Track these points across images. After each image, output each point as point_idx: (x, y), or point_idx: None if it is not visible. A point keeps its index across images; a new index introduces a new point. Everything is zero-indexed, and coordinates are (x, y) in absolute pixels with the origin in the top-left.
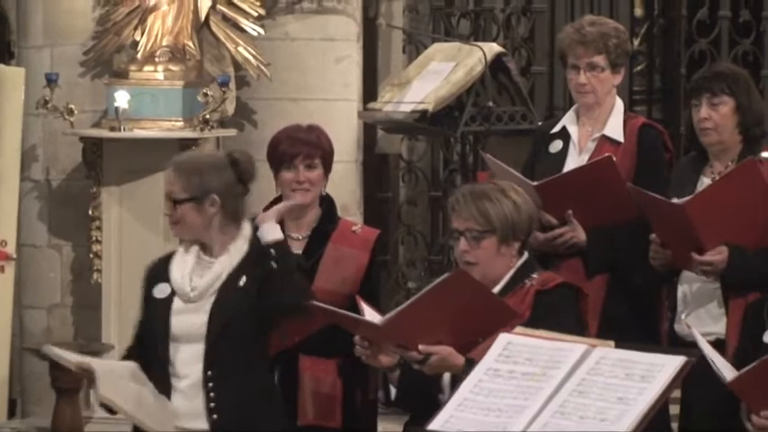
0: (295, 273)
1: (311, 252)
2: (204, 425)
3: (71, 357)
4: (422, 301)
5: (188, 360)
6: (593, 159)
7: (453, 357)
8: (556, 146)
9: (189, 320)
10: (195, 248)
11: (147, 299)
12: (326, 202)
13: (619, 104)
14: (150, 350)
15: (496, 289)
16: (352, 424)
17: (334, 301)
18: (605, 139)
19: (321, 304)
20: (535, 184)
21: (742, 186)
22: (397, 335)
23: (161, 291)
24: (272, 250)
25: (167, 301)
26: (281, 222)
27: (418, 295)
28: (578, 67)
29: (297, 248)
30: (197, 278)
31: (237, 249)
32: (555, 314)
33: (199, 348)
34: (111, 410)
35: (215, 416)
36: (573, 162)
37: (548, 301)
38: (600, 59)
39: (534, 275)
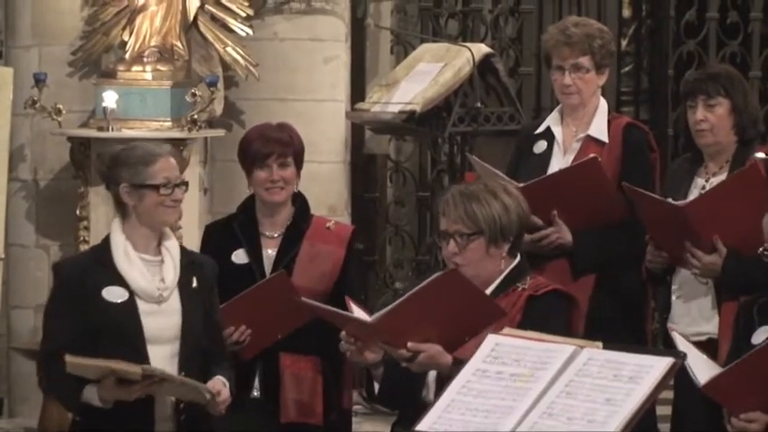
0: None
1: (286, 250)
2: (171, 427)
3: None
4: (413, 299)
5: (164, 360)
6: (579, 160)
7: (441, 356)
8: (540, 146)
9: (160, 322)
10: (129, 248)
11: (84, 301)
12: (299, 200)
13: (603, 105)
14: (108, 354)
15: (488, 290)
16: (333, 421)
17: (310, 298)
18: (590, 140)
19: (310, 301)
20: (521, 185)
21: (744, 189)
22: (387, 332)
23: (116, 294)
24: None
25: (130, 304)
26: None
27: (410, 293)
28: (563, 68)
29: (271, 247)
30: (157, 279)
31: (173, 245)
32: (545, 320)
33: (167, 349)
34: None
35: (183, 416)
36: (557, 163)
37: (539, 307)
38: (585, 60)
39: (527, 279)
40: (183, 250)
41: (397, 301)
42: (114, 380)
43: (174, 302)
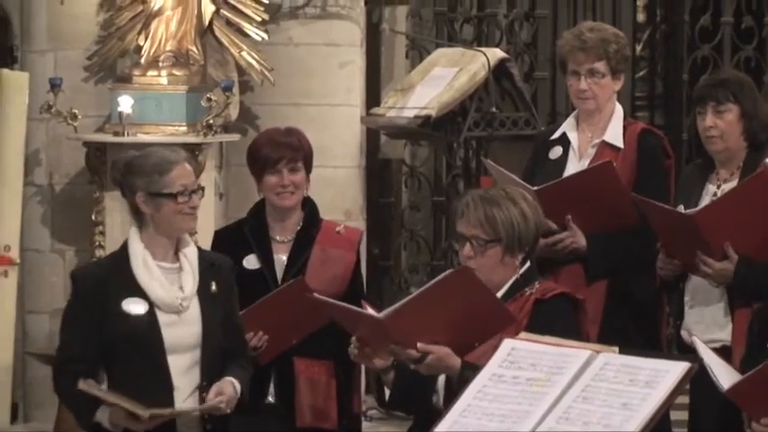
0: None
1: (297, 255)
2: None
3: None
4: (425, 296)
5: (185, 368)
6: (594, 164)
7: (450, 358)
8: (556, 152)
9: (180, 332)
10: (148, 257)
11: (101, 312)
12: (309, 205)
13: (618, 110)
14: (125, 365)
15: (497, 295)
16: (347, 425)
17: None
18: (605, 145)
19: (323, 297)
20: (535, 188)
21: (754, 196)
22: (397, 330)
23: (135, 306)
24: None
25: (150, 315)
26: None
27: (422, 289)
28: (579, 74)
29: (282, 252)
30: (176, 288)
31: (190, 250)
32: (552, 324)
33: (188, 357)
34: None
35: (209, 426)
36: (573, 168)
37: (546, 310)
38: (600, 65)
39: (536, 284)
40: (201, 253)
41: (408, 297)
42: (125, 411)
43: (194, 310)
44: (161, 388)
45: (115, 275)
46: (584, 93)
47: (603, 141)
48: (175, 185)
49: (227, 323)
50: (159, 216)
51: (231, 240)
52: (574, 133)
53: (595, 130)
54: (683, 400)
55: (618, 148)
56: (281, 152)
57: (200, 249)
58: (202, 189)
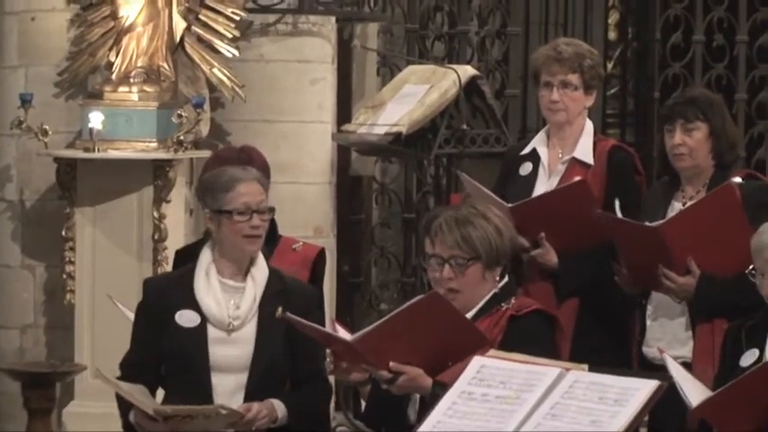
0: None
1: None
2: None
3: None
4: (394, 321)
5: (229, 390)
6: (567, 183)
7: (421, 379)
8: (526, 168)
9: (230, 351)
10: (213, 272)
11: (157, 322)
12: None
13: (589, 126)
14: (174, 378)
15: (473, 311)
16: None
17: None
18: (575, 162)
19: (295, 317)
20: (509, 206)
21: (718, 211)
22: (368, 352)
23: (188, 319)
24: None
25: (200, 330)
26: None
27: (391, 314)
28: (551, 85)
29: None
30: (233, 306)
31: (260, 271)
32: (526, 341)
33: (238, 378)
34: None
35: None
36: (542, 185)
37: (521, 327)
38: (574, 78)
39: (512, 300)
40: (276, 277)
41: (377, 322)
42: (141, 411)
43: (249, 331)
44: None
45: (178, 287)
46: (556, 104)
47: (573, 158)
48: (235, 203)
49: (294, 350)
50: (221, 234)
51: (188, 259)
52: (544, 148)
53: (565, 146)
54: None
55: (588, 165)
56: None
57: (277, 273)
58: (272, 210)
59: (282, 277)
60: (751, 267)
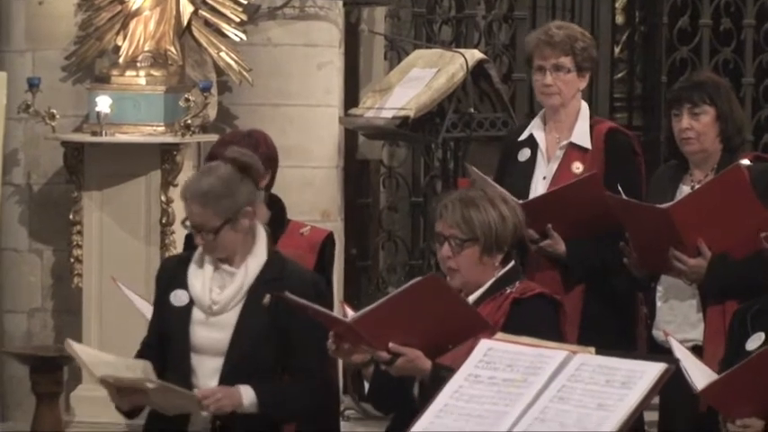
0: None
1: None
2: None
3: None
4: (393, 302)
5: (207, 373)
6: (581, 177)
7: (420, 361)
8: (524, 154)
9: (210, 334)
10: (208, 255)
11: (161, 303)
12: (276, 206)
13: (584, 109)
14: (165, 356)
15: (477, 294)
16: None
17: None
18: (573, 147)
19: (296, 298)
20: (521, 202)
21: (727, 192)
22: (367, 333)
23: (178, 298)
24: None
25: (186, 310)
26: None
27: (390, 296)
28: (544, 69)
29: None
30: (217, 290)
31: (256, 259)
32: (529, 324)
33: (217, 362)
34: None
35: (218, 422)
36: (541, 171)
37: (524, 310)
38: (566, 61)
39: (516, 283)
40: (278, 265)
41: (377, 303)
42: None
43: (231, 317)
44: (183, 386)
45: (179, 267)
46: (550, 88)
47: (571, 143)
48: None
49: (279, 337)
50: None
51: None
52: (541, 134)
53: (562, 131)
54: (654, 399)
55: (586, 149)
56: (218, 153)
57: (279, 261)
58: (216, 231)
59: (283, 265)
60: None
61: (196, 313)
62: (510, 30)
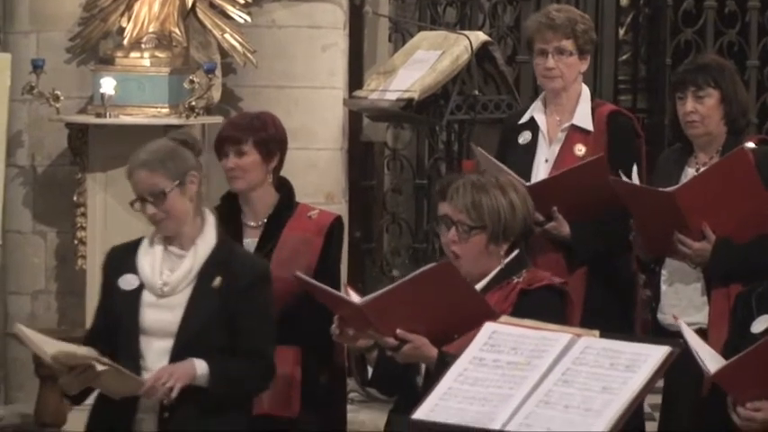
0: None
1: (267, 239)
2: (153, 424)
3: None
4: (404, 287)
5: (156, 355)
6: (587, 160)
7: (427, 348)
8: (525, 137)
9: (160, 316)
10: (159, 238)
11: (110, 288)
12: (284, 189)
13: (585, 92)
14: (115, 341)
15: (483, 282)
16: (312, 412)
17: (288, 288)
18: (575, 129)
19: (306, 278)
20: (528, 184)
21: (732, 175)
22: (376, 317)
23: (127, 282)
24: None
25: (135, 294)
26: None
27: (401, 281)
28: (546, 52)
29: (253, 236)
30: (167, 272)
31: (206, 242)
32: (536, 315)
33: (166, 344)
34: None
35: (166, 414)
36: (543, 154)
37: (531, 300)
38: (568, 44)
39: (523, 272)
40: (227, 249)
41: (388, 287)
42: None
43: (181, 299)
44: (132, 369)
45: (127, 253)
46: (552, 71)
47: (573, 125)
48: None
49: (229, 321)
50: None
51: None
52: (542, 116)
53: (563, 113)
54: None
55: (588, 131)
56: (225, 133)
57: (228, 245)
58: (162, 194)
59: (232, 249)
60: None
61: (146, 296)
62: (514, 12)
